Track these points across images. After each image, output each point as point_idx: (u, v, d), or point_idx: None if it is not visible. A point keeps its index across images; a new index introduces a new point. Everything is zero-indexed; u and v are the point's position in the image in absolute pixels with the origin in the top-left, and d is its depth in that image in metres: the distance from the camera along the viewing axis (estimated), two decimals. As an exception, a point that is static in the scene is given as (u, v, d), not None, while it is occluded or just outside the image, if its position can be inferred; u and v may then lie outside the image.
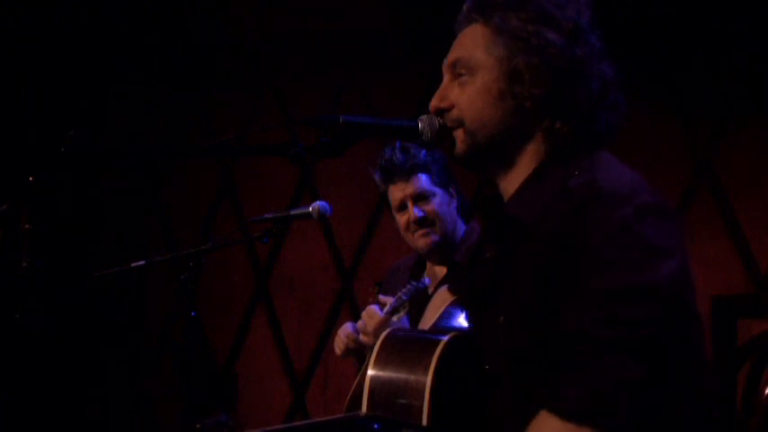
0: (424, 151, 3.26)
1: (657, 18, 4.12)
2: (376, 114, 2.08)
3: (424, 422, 1.82)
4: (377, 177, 3.39)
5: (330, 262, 5.26)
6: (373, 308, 3.20)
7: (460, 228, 3.33)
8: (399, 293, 3.14)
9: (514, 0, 1.89)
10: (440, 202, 3.31)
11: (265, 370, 5.45)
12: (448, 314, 2.32)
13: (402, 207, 3.34)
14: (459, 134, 1.90)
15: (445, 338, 1.90)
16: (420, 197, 3.31)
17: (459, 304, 2.31)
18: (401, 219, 3.35)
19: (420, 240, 3.31)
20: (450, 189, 3.33)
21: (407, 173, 3.31)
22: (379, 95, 4.90)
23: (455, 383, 1.86)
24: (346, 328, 3.35)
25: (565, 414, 1.63)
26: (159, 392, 5.77)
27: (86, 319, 5.83)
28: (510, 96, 1.86)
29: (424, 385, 1.85)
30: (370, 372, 1.93)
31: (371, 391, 1.91)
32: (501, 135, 1.87)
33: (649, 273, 1.67)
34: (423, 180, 3.31)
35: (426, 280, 3.21)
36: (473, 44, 1.90)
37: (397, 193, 3.34)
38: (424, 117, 1.96)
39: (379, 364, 1.93)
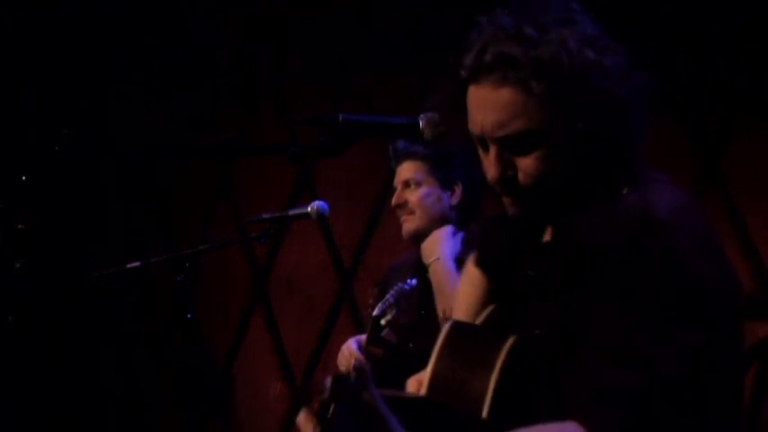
0: None
1: (662, 17, 4.10)
2: (376, 114, 2.05)
3: (485, 413, 1.79)
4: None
5: (329, 262, 5.23)
6: (351, 344, 3.25)
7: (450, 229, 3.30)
8: (387, 296, 3.13)
9: (552, 59, 1.70)
10: (426, 193, 3.30)
11: (264, 371, 5.43)
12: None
13: (396, 188, 3.37)
14: (529, 194, 1.80)
15: (513, 336, 1.86)
16: (407, 183, 3.32)
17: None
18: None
19: (402, 224, 3.34)
20: (455, 187, 3.30)
21: (404, 157, 3.33)
22: (379, 95, 4.87)
23: (518, 382, 1.83)
24: (350, 346, 3.34)
25: None
26: (157, 393, 5.75)
27: (84, 319, 5.81)
28: (575, 154, 1.77)
29: (490, 376, 1.81)
30: (437, 356, 1.89)
31: (434, 375, 1.88)
32: (569, 188, 1.81)
33: (701, 321, 1.66)
34: (414, 167, 3.32)
35: (412, 281, 3.18)
36: (524, 115, 1.72)
37: (397, 174, 3.38)
38: (424, 115, 1.94)
39: (447, 349, 1.90)
